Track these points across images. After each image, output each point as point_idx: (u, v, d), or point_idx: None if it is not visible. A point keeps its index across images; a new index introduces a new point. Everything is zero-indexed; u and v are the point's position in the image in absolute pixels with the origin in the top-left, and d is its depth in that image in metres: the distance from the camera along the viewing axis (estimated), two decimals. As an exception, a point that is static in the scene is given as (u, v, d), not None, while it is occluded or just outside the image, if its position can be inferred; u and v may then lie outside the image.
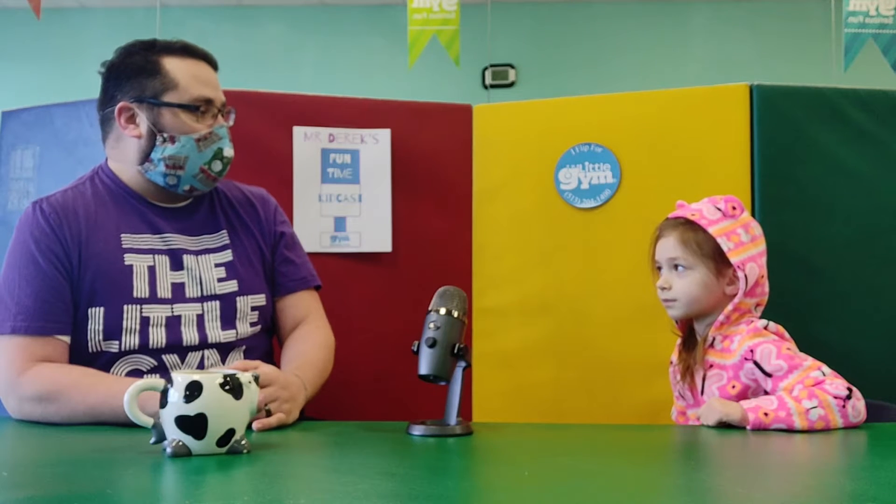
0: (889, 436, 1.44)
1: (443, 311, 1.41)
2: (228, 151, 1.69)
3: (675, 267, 1.69)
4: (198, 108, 1.66)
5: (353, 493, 0.97)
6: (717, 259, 1.67)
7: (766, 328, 1.62)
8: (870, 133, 2.24)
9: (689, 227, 1.70)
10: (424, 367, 1.38)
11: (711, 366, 1.66)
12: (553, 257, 2.35)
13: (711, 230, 1.67)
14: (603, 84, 5.07)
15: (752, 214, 2.20)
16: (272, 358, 1.82)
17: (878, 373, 2.13)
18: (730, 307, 1.65)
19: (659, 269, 1.75)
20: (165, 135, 1.64)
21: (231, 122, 1.73)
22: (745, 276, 1.64)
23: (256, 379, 1.24)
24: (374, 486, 1.01)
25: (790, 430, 1.43)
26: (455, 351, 1.38)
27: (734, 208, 1.70)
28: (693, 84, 2.47)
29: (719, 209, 1.69)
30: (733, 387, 1.61)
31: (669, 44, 5.72)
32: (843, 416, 1.45)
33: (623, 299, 2.27)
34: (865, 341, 2.19)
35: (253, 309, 1.72)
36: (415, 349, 1.40)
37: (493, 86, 5.65)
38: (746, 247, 1.67)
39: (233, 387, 1.18)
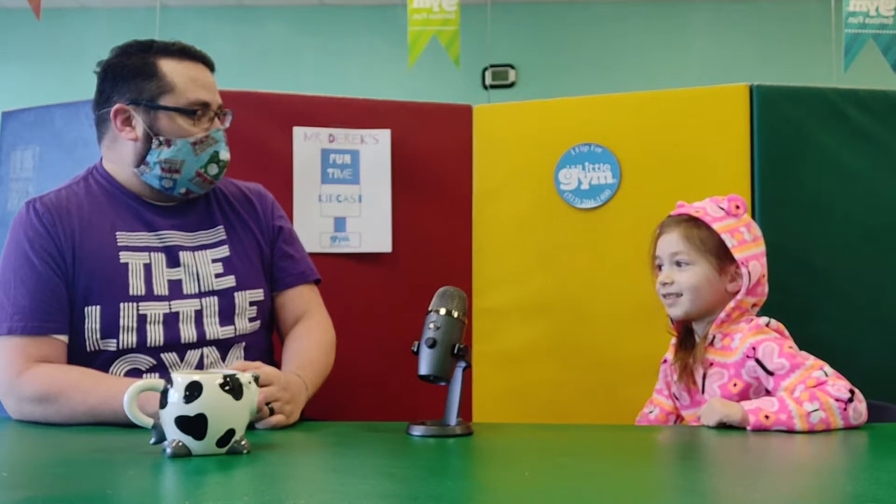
0: (889, 436, 1.44)
1: (443, 311, 1.41)
2: (225, 155, 1.69)
3: (678, 263, 1.69)
4: (194, 111, 1.65)
5: (353, 494, 0.97)
6: (720, 256, 1.67)
7: (767, 325, 1.62)
8: (870, 133, 2.24)
9: (692, 223, 1.70)
10: (424, 368, 1.38)
11: (712, 364, 1.65)
12: (553, 258, 2.35)
13: (715, 226, 1.67)
14: (603, 84, 5.07)
15: (752, 214, 2.20)
16: (272, 355, 1.82)
17: (879, 373, 2.13)
18: (731, 304, 1.65)
19: (659, 266, 1.74)
20: (161, 138, 1.63)
21: (227, 125, 1.72)
22: (749, 273, 1.64)
23: (256, 379, 1.24)
24: (374, 486, 1.01)
25: (790, 432, 1.43)
26: (455, 351, 1.38)
27: (738, 207, 1.70)
28: (693, 84, 2.47)
29: (722, 208, 1.70)
30: (734, 385, 1.60)
31: (669, 44, 5.72)
32: (844, 418, 1.45)
33: (623, 299, 2.27)
34: (865, 341, 2.19)
35: (251, 304, 1.71)
36: (415, 349, 1.40)
37: (493, 86, 5.65)
38: (749, 245, 1.68)
39: (233, 387, 1.18)
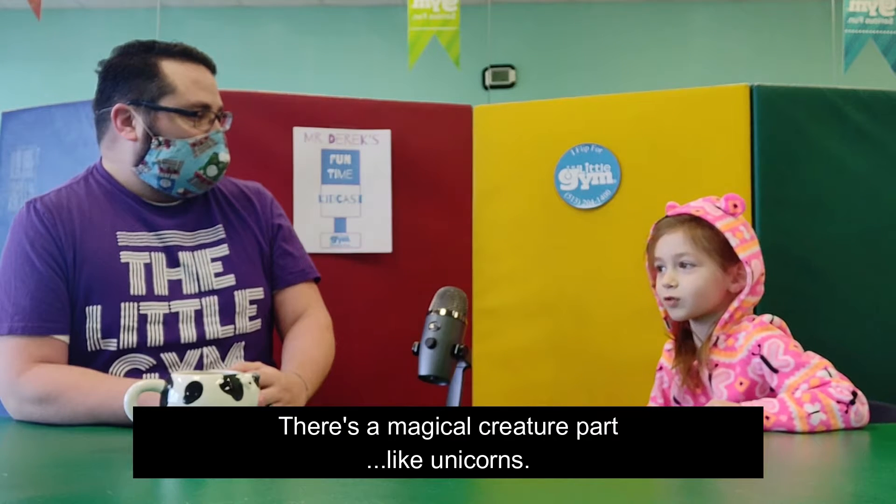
0: (890, 437, 1.44)
1: (443, 311, 1.40)
2: (224, 156, 1.69)
3: (682, 265, 1.68)
4: (195, 113, 1.65)
5: (353, 493, 0.97)
6: (724, 255, 1.66)
7: (771, 322, 1.62)
8: (870, 133, 2.24)
9: (695, 222, 1.67)
10: (424, 368, 1.37)
11: (717, 364, 1.65)
12: (553, 258, 2.35)
13: (718, 225, 1.66)
14: (603, 84, 5.07)
15: (752, 214, 2.20)
16: (272, 353, 1.82)
17: (879, 373, 2.12)
18: (735, 304, 1.63)
19: (659, 268, 1.73)
20: (161, 138, 1.63)
21: (227, 127, 1.72)
22: (752, 271, 1.64)
23: (257, 380, 1.23)
24: (374, 486, 1.01)
25: (791, 433, 1.43)
26: (455, 352, 1.38)
27: (735, 206, 1.68)
28: (693, 84, 2.47)
29: (719, 207, 1.68)
30: (741, 383, 1.60)
31: (669, 44, 5.72)
32: (845, 421, 1.44)
33: (623, 299, 2.27)
34: (865, 341, 2.19)
35: (251, 303, 1.71)
36: (415, 350, 1.39)
37: (493, 86, 5.65)
38: (749, 244, 1.66)
39: (233, 387, 1.18)
